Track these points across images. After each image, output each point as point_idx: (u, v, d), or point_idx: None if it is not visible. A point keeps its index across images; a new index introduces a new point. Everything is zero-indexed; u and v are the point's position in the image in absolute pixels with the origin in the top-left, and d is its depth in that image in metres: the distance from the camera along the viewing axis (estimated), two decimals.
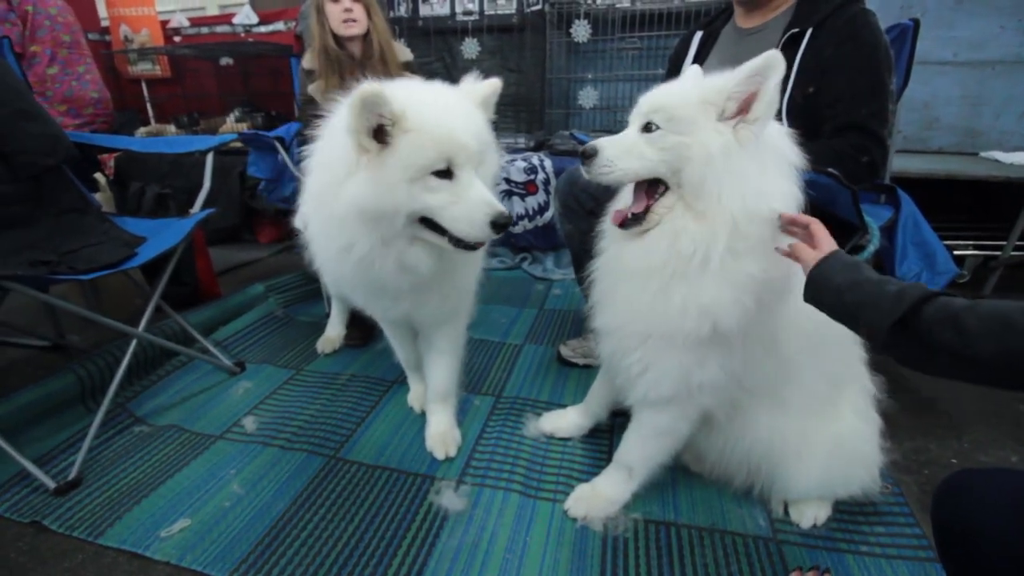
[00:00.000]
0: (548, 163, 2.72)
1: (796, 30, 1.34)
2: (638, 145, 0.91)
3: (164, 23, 4.08)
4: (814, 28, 1.32)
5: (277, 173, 2.16)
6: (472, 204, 0.96)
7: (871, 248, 1.31)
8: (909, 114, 2.67)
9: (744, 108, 0.86)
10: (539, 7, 3.08)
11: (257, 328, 2.03)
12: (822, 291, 0.81)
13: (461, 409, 1.54)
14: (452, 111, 0.99)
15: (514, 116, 3.38)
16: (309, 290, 2.34)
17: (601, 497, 1.19)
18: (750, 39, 1.47)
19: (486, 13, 3.25)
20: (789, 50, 1.34)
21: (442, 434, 1.40)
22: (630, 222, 0.95)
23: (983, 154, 2.59)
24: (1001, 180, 2.17)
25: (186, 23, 4.12)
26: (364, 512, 1.19)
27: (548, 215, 2.76)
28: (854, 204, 1.19)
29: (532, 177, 2.72)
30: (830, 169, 1.12)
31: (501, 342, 1.98)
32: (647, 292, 0.93)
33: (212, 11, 4.40)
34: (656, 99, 0.92)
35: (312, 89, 1.88)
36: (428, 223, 1.00)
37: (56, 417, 1.46)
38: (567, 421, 1.45)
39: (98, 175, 2.27)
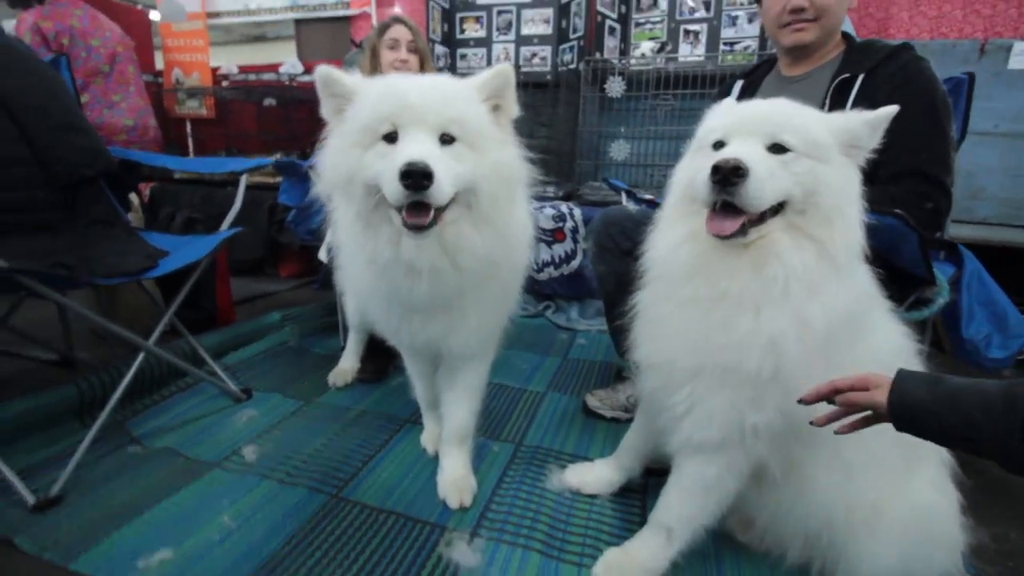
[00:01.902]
0: (577, 212, 2.71)
1: (847, 75, 1.32)
2: (773, 166, 0.82)
3: (215, 70, 4.35)
4: (866, 75, 1.30)
5: (307, 203, 2.17)
6: (393, 161, 0.85)
7: (940, 301, 1.22)
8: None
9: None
10: (574, 66, 3.20)
11: (269, 356, 1.97)
12: (917, 417, 0.72)
13: (478, 455, 1.42)
14: (408, 77, 0.98)
15: (543, 168, 3.43)
16: (326, 322, 2.29)
17: (635, 564, 1.05)
18: (795, 87, 1.46)
19: (522, 70, 3.39)
20: (839, 97, 1.32)
21: (456, 480, 1.28)
22: (737, 233, 0.82)
23: None
24: None
25: (235, 70, 4.38)
26: (365, 560, 1.06)
27: (575, 264, 2.71)
28: (921, 250, 1.12)
29: (560, 225, 2.71)
30: (897, 210, 1.06)
31: (522, 388, 1.87)
32: (707, 321, 0.85)
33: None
34: (788, 118, 0.84)
35: None
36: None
37: (49, 430, 1.39)
38: (595, 475, 1.32)
39: (132, 196, 2.32)
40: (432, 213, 0.88)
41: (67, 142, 1.57)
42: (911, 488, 0.96)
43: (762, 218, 0.83)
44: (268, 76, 4.26)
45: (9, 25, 2.66)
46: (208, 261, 1.57)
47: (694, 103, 3.01)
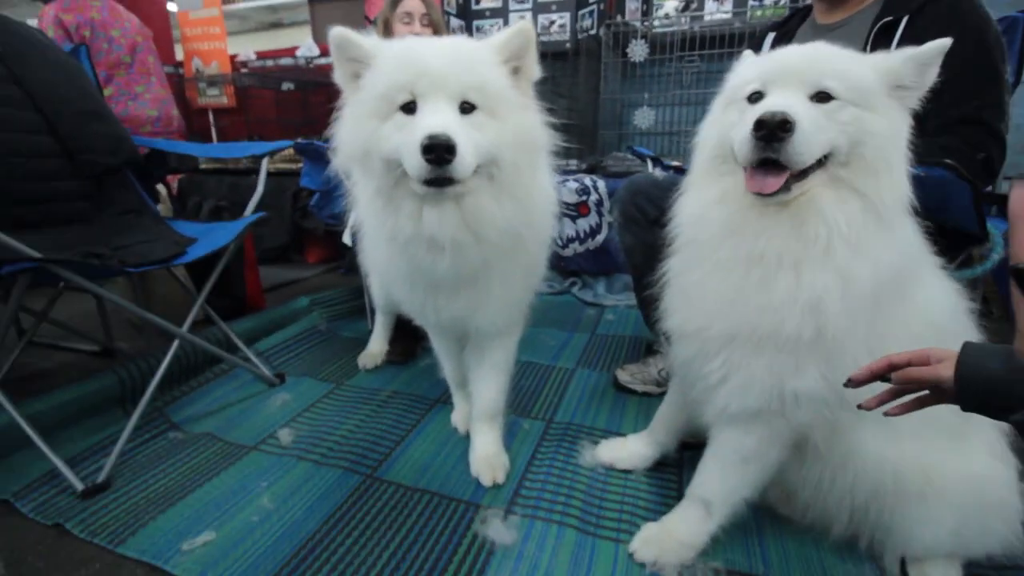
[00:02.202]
0: (601, 184, 2.65)
1: (889, 19, 1.23)
2: (818, 118, 0.76)
3: (233, 57, 4.37)
4: (909, 17, 1.20)
5: (329, 187, 2.18)
6: (414, 131, 0.83)
7: (994, 257, 1.14)
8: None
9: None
10: (594, 32, 3.09)
11: (300, 341, 2.00)
12: (992, 393, 0.65)
13: (509, 432, 1.42)
14: (425, 41, 0.93)
15: (565, 140, 3.35)
16: (354, 306, 2.31)
17: (674, 539, 1.03)
18: (833, 35, 1.37)
19: (540, 39, 3.29)
20: (880, 42, 1.23)
21: (489, 458, 1.28)
22: (781, 190, 0.77)
23: None
24: None
25: (253, 56, 4.40)
26: (401, 538, 1.07)
27: (600, 238, 2.66)
28: (974, 203, 1.04)
29: (584, 198, 2.65)
30: (947, 160, 0.98)
31: (551, 365, 1.86)
32: (743, 283, 0.81)
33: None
34: (831, 63, 0.78)
35: None
36: None
37: (94, 418, 1.43)
38: (629, 451, 1.30)
39: (160, 187, 2.36)
40: None
41: (92, 131, 1.59)
42: (966, 453, 0.91)
43: (803, 172, 0.77)
44: (285, 61, 4.27)
45: (32, 22, 2.71)
46: (235, 247, 1.59)
47: (722, 64, 2.87)
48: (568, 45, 3.25)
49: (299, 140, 2.03)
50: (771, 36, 1.53)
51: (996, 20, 1.27)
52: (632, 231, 1.54)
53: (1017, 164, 2.54)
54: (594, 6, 3.17)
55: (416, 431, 1.46)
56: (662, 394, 1.30)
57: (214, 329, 1.76)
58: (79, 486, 1.17)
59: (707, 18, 2.98)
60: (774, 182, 0.76)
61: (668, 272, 0.99)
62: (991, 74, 1.15)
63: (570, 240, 2.69)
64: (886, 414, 0.75)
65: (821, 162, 0.78)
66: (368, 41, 0.92)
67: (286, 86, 3.97)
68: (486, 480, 1.24)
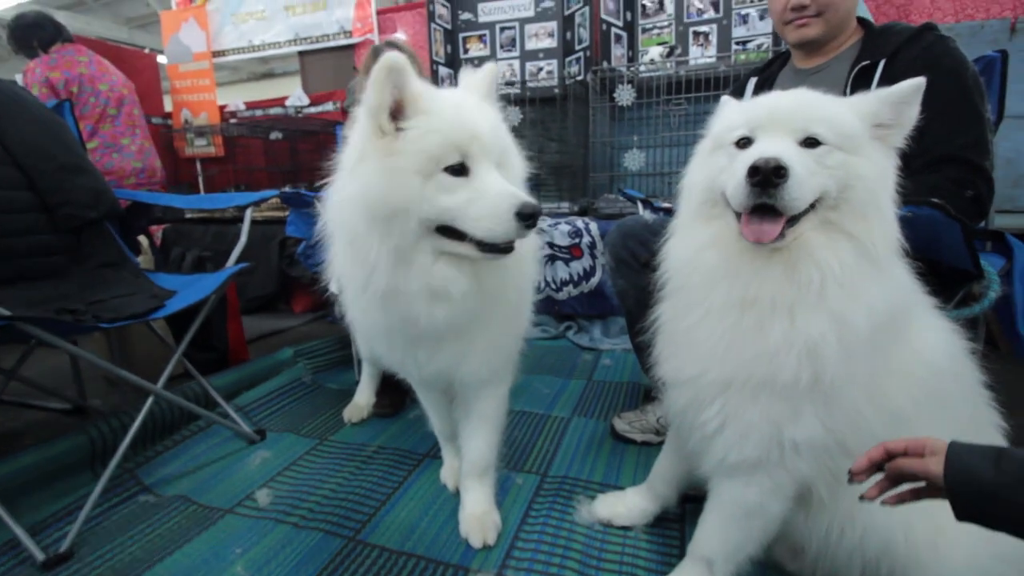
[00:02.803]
0: (593, 226, 2.70)
1: (867, 62, 1.29)
2: (808, 163, 0.78)
3: (222, 107, 4.52)
4: (887, 60, 1.27)
5: (315, 235, 2.20)
6: (494, 196, 0.88)
7: (991, 295, 1.15)
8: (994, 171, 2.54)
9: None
10: (581, 77, 3.23)
11: (282, 394, 1.97)
12: (982, 500, 0.61)
13: (501, 488, 1.38)
14: (466, 101, 0.95)
15: (556, 183, 3.44)
16: (340, 356, 2.29)
17: None
18: (813, 79, 1.42)
19: (528, 85, 3.43)
20: (859, 85, 1.28)
21: (479, 517, 1.24)
22: (778, 238, 0.78)
23: None
24: None
25: (242, 106, 4.54)
26: None
27: (594, 281, 2.68)
28: (965, 241, 1.06)
29: (577, 241, 2.69)
30: (935, 199, 1.01)
31: (546, 414, 1.83)
32: (736, 329, 0.82)
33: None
34: (818, 109, 0.81)
35: (348, 128, 1.97)
36: (447, 232, 0.93)
37: (62, 481, 1.39)
38: (627, 505, 1.27)
39: (142, 238, 2.39)
40: None
41: (72, 184, 1.62)
42: None
43: (795, 218, 0.79)
44: (275, 111, 4.40)
45: (18, 78, 2.80)
46: (216, 299, 1.59)
47: (708, 106, 2.99)
48: (556, 91, 3.39)
49: (285, 189, 2.07)
50: (753, 81, 1.59)
51: (973, 60, 1.34)
52: (624, 275, 1.56)
53: (1010, 197, 2.61)
54: (580, 53, 3.33)
55: (403, 489, 1.42)
56: (662, 443, 1.28)
57: (192, 384, 1.73)
58: (39, 556, 1.12)
59: (692, 62, 3.12)
60: (771, 229, 0.77)
61: (659, 318, 1.00)
62: (971, 113, 1.20)
63: (564, 283, 2.71)
64: (883, 503, 0.72)
65: (812, 206, 0.80)
66: (422, 86, 0.90)
67: (274, 135, 4.08)
68: (476, 541, 1.20)
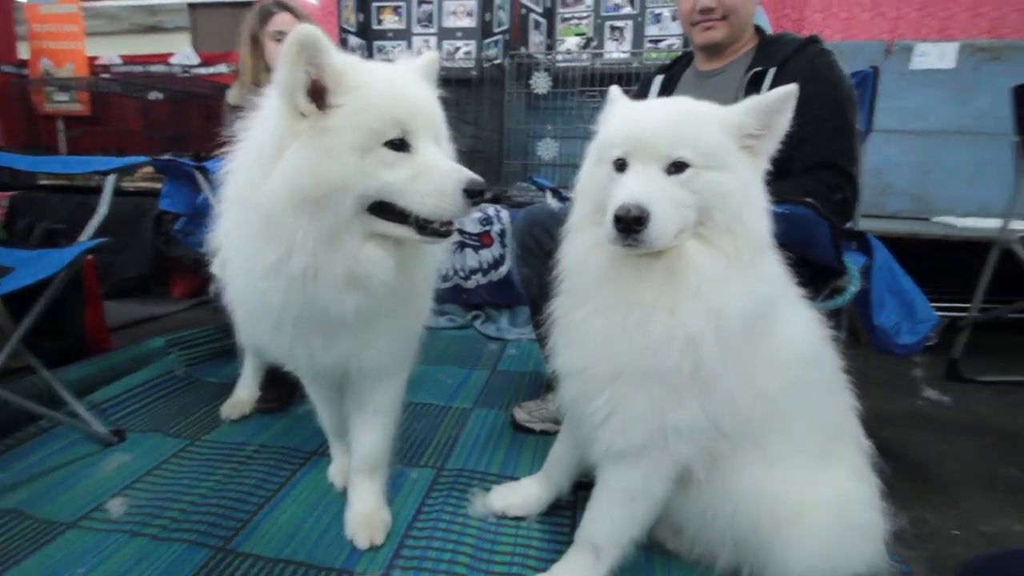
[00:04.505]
0: (504, 214, 2.69)
1: (759, 69, 1.37)
2: (673, 192, 0.83)
3: (92, 59, 3.99)
4: (778, 67, 1.35)
5: (196, 211, 2.00)
6: (441, 172, 0.87)
7: (851, 290, 1.28)
8: (863, 178, 2.84)
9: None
10: (499, 61, 3.19)
11: (150, 389, 1.78)
12: None
13: (393, 484, 1.33)
14: (399, 74, 0.91)
15: (470, 169, 3.39)
16: (222, 346, 2.10)
17: None
18: (712, 81, 1.51)
19: (445, 65, 3.34)
20: (752, 89, 1.36)
21: (367, 515, 1.19)
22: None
23: (935, 219, 2.75)
24: (958, 240, 2.29)
25: (118, 60, 4.05)
26: None
27: (504, 270, 2.68)
28: (832, 239, 1.16)
29: (487, 228, 2.67)
30: (808, 199, 1.09)
31: (446, 406, 1.80)
32: (623, 325, 0.86)
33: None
34: (684, 131, 0.84)
35: (234, 95, 1.82)
36: (383, 212, 0.88)
37: None
38: (521, 495, 1.27)
39: None
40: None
41: None
42: (831, 477, 0.99)
43: None
44: (157, 68, 3.96)
45: None
46: (66, 278, 1.40)
47: None
48: (473, 73, 3.33)
49: (161, 157, 1.86)
50: (659, 79, 1.66)
51: (851, 74, 1.47)
52: (529, 263, 1.56)
53: (877, 203, 2.92)
54: (499, 36, 3.29)
55: (285, 490, 1.33)
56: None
57: (34, 378, 1.51)
58: None
59: (607, 56, 3.19)
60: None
61: (555, 311, 1.02)
62: (844, 125, 1.32)
63: (472, 271, 2.68)
64: None
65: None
66: (346, 61, 0.85)
67: (154, 95, 3.67)
68: (362, 542, 1.15)
